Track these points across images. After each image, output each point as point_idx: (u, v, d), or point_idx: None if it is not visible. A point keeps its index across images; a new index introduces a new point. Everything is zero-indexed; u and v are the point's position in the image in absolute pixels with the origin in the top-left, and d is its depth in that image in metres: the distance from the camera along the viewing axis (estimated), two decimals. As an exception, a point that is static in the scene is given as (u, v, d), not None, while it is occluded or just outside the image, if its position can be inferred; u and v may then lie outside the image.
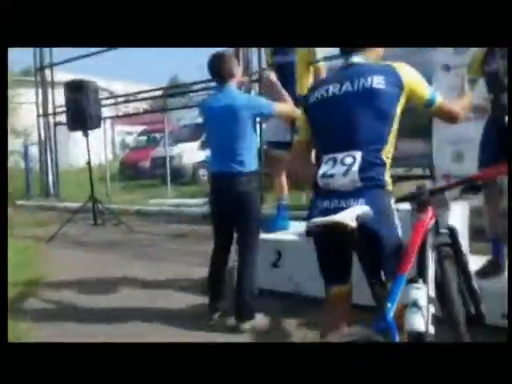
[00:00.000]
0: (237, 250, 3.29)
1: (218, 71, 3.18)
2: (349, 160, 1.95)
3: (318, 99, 2.11)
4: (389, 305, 1.80)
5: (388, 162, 2.00)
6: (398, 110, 2.01)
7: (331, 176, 1.96)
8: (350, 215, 1.84)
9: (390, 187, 2.00)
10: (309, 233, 2.01)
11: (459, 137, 4.98)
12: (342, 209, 1.89)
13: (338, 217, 1.83)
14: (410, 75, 2.05)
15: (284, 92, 3.30)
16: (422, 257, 1.95)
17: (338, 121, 2.04)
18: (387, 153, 1.99)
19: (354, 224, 1.82)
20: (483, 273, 3.04)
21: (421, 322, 1.78)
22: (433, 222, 2.07)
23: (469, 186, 2.21)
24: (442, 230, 2.15)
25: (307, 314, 3.24)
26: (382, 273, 1.98)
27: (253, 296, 3.18)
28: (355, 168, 1.93)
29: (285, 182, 3.99)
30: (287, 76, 3.71)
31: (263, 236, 3.58)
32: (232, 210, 3.16)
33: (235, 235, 3.27)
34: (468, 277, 2.18)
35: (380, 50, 2.22)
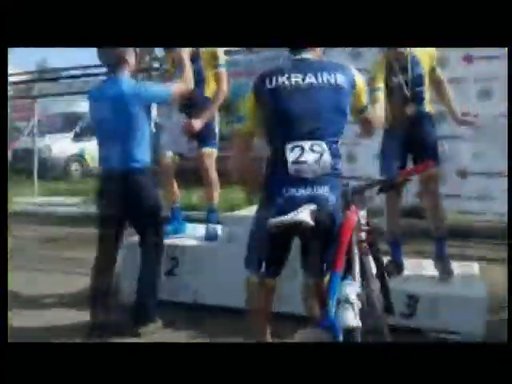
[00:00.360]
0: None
1: (107, 57, 2.85)
2: (318, 148, 2.03)
3: (279, 87, 2.11)
4: (329, 302, 1.92)
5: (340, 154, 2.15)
6: (349, 106, 2.17)
7: (304, 162, 2.01)
8: (308, 213, 1.96)
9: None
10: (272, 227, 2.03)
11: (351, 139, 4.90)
12: (310, 196, 2.01)
13: (301, 216, 1.94)
14: (360, 79, 2.24)
15: (186, 69, 3.06)
16: (348, 254, 2.05)
17: (303, 110, 2.08)
18: (340, 145, 2.14)
19: (312, 222, 1.96)
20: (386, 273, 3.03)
21: (353, 317, 1.89)
22: (356, 219, 2.16)
23: (387, 185, 2.38)
24: (363, 227, 2.23)
25: (208, 325, 3.03)
26: (325, 263, 2.11)
27: (155, 300, 2.98)
28: (327, 156, 2.04)
29: (175, 184, 3.72)
30: (196, 83, 3.33)
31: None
32: (126, 211, 2.87)
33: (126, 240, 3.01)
34: (382, 272, 2.32)
35: (319, 50, 2.31)
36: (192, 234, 3.81)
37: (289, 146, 2.05)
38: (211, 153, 3.64)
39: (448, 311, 2.85)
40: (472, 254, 4.20)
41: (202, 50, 3.51)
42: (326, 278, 2.13)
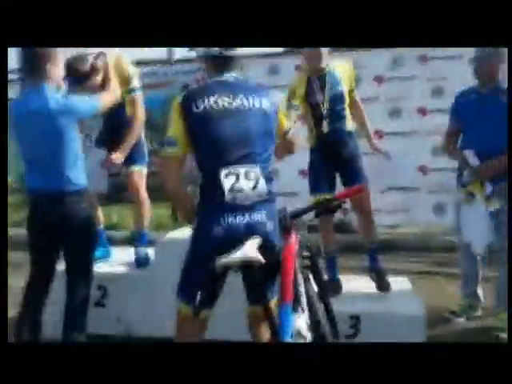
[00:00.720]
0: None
1: (30, 69, 2.54)
2: (253, 175, 1.99)
3: (208, 110, 2.03)
4: (283, 336, 1.92)
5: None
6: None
7: (240, 190, 1.96)
8: (256, 248, 1.95)
9: None
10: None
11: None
12: (248, 223, 1.96)
13: (251, 254, 1.93)
14: (280, 104, 2.26)
15: (112, 77, 2.91)
16: (294, 283, 2.02)
17: (234, 135, 2.03)
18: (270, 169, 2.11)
19: (262, 259, 1.95)
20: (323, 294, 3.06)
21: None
22: (298, 245, 2.14)
23: (324, 209, 2.41)
24: (304, 253, 2.21)
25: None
26: (269, 289, 2.10)
27: (83, 332, 2.59)
28: (262, 182, 2.00)
29: (97, 206, 3.42)
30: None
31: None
32: (57, 235, 2.61)
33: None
34: (326, 295, 2.29)
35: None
36: (119, 259, 3.52)
37: (223, 173, 1.98)
38: (141, 171, 3.39)
39: (389, 329, 2.85)
40: (396, 267, 4.31)
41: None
42: (273, 302, 2.11)
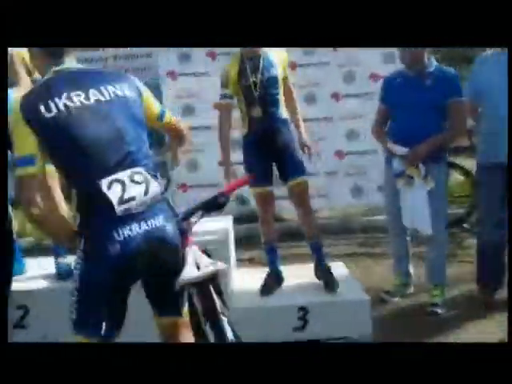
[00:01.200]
0: None
1: None
2: (140, 177, 1.75)
3: (62, 112, 1.70)
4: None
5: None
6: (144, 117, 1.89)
7: (132, 199, 1.72)
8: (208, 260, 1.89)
9: None
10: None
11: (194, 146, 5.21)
12: (146, 232, 1.74)
13: (217, 265, 1.88)
14: (143, 86, 1.97)
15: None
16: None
17: (103, 134, 1.73)
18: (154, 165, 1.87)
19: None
20: (267, 289, 3.11)
21: None
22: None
23: (211, 206, 2.20)
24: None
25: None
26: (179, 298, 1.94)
27: None
28: (153, 184, 1.78)
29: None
30: None
31: None
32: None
33: None
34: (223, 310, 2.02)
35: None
36: (35, 273, 3.19)
37: (104, 184, 1.70)
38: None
39: (336, 318, 2.86)
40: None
41: None
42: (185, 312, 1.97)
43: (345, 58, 5.47)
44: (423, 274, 3.52)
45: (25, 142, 1.70)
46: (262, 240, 3.25)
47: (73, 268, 2.73)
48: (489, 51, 3.34)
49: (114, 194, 1.70)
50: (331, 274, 3.14)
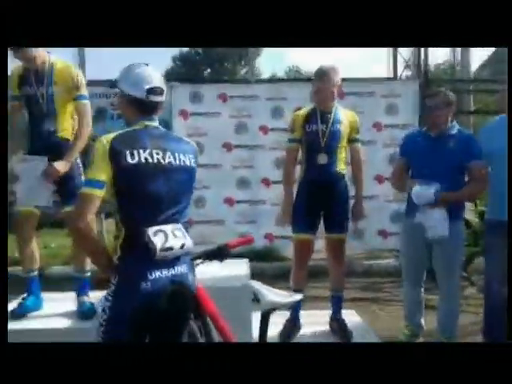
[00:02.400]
0: None
1: None
2: (179, 233, 2.02)
3: (141, 164, 1.96)
4: None
5: None
6: None
7: (170, 249, 1.97)
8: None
9: None
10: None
11: (199, 181, 5.35)
12: (174, 276, 2.00)
13: (296, 296, 2.38)
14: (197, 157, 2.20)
15: None
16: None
17: (165, 193, 2.00)
18: None
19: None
20: (286, 335, 3.20)
21: None
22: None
23: (212, 255, 2.46)
24: None
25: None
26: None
27: None
28: (189, 241, 2.04)
29: (35, 246, 3.20)
30: (42, 111, 3.05)
31: (14, 326, 2.84)
32: None
33: None
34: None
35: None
36: (55, 310, 3.15)
37: (151, 231, 1.95)
38: None
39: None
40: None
41: (57, 76, 3.04)
42: None
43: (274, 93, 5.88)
44: (429, 322, 3.63)
45: (101, 170, 1.94)
46: (290, 285, 3.32)
47: (100, 303, 2.86)
48: (495, 118, 3.55)
49: (158, 241, 1.94)
50: (346, 325, 3.23)
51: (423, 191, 3.19)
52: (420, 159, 3.37)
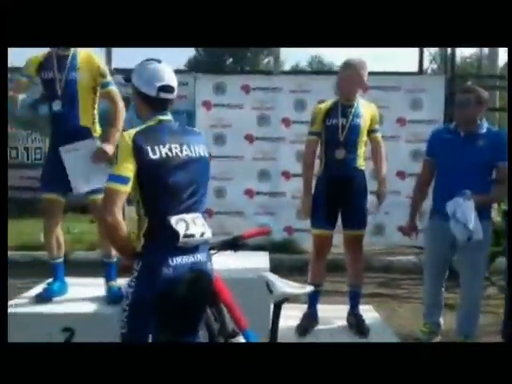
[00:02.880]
0: None
1: None
2: (199, 221, 2.11)
3: (163, 158, 2.05)
4: None
5: None
6: None
7: (192, 236, 2.06)
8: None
9: None
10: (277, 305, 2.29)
11: (221, 172, 5.68)
12: (193, 263, 2.09)
13: (306, 288, 2.40)
14: None
15: None
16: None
17: (185, 184, 2.10)
18: None
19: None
20: (303, 329, 3.20)
21: None
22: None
23: (227, 246, 2.58)
24: None
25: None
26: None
27: None
28: (208, 229, 2.13)
29: (60, 232, 3.26)
30: (67, 96, 3.07)
31: (41, 309, 2.96)
32: None
33: None
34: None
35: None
36: (81, 295, 3.23)
37: (173, 220, 2.05)
38: None
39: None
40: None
41: (81, 63, 3.05)
42: None
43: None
44: (447, 321, 3.61)
45: (126, 166, 2.03)
46: (308, 279, 3.33)
47: (123, 290, 2.93)
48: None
49: (180, 229, 2.04)
50: (363, 321, 3.23)
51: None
52: (448, 157, 3.32)
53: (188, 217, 2.08)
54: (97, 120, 3.27)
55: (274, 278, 2.31)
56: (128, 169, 2.01)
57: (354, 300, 3.30)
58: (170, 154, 2.06)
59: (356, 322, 3.23)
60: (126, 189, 2.02)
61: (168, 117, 2.16)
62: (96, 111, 3.28)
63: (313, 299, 3.30)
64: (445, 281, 3.57)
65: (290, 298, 2.31)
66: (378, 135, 3.38)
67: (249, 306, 2.58)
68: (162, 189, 2.06)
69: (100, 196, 3.05)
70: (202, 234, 2.09)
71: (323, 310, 3.38)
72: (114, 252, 3.21)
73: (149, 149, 2.03)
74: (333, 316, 3.40)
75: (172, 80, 2.12)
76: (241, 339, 2.33)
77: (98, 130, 3.26)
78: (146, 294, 2.03)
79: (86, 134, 3.17)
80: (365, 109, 3.29)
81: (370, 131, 3.32)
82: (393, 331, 3.32)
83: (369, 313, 3.50)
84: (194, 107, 5.78)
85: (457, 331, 3.47)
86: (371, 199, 3.38)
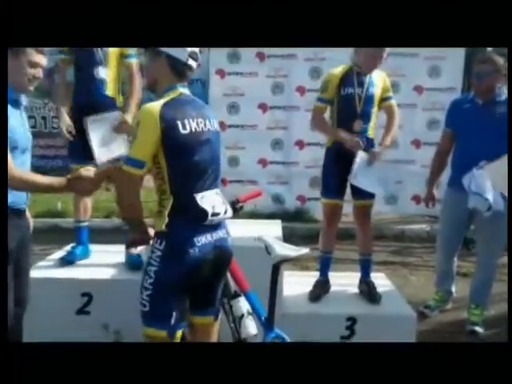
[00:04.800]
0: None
1: None
2: (220, 199, 2.08)
3: (192, 133, 1.97)
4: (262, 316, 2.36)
5: None
6: None
7: (218, 214, 2.05)
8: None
9: None
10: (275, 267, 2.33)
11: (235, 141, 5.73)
12: (216, 241, 2.06)
13: (303, 250, 2.31)
14: None
15: None
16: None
17: (209, 159, 2.05)
18: None
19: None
20: (315, 296, 3.25)
21: (255, 326, 2.36)
22: None
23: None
24: None
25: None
26: (218, 300, 2.23)
27: None
28: (229, 207, 2.11)
29: (89, 199, 3.42)
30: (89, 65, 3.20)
31: (60, 274, 3.10)
32: None
33: None
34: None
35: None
36: (103, 260, 3.32)
37: (198, 197, 2.00)
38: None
39: (381, 330, 2.98)
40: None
41: None
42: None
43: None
44: (460, 290, 3.65)
45: (145, 146, 1.93)
46: (319, 247, 3.37)
47: (143, 261, 2.99)
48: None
49: (207, 206, 2.01)
50: (375, 289, 3.28)
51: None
52: (467, 127, 3.29)
53: (211, 194, 2.05)
54: (120, 91, 3.34)
55: (272, 241, 2.35)
56: (146, 150, 1.92)
57: (365, 268, 3.34)
58: (197, 128, 2.00)
59: (368, 289, 3.27)
60: (141, 172, 1.96)
61: (187, 90, 2.09)
62: (120, 82, 3.34)
63: (324, 267, 3.35)
64: (458, 250, 3.60)
65: (287, 260, 2.36)
66: (393, 102, 3.31)
67: (261, 273, 2.63)
68: (191, 165, 1.99)
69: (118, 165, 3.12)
70: (226, 212, 2.08)
71: (335, 277, 3.44)
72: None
73: (179, 123, 1.94)
74: (344, 283, 3.45)
75: (197, 48, 2.05)
76: (242, 300, 2.39)
77: (121, 100, 3.33)
78: (172, 274, 1.99)
79: (111, 104, 3.24)
80: (378, 77, 3.22)
81: (383, 99, 3.26)
82: (404, 299, 3.37)
83: (381, 280, 3.54)
84: (208, 76, 5.73)
85: (470, 298, 3.52)
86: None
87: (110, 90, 3.25)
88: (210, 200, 2.02)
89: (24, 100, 2.27)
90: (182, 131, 1.94)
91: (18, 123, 2.20)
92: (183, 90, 2.05)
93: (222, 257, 2.10)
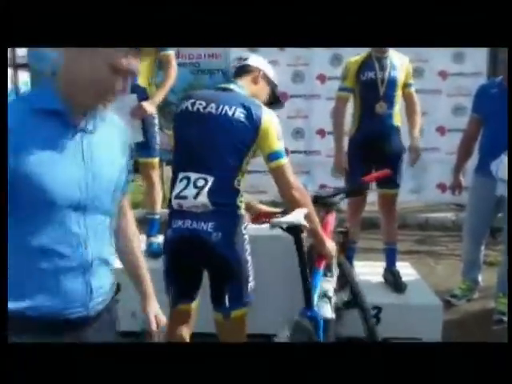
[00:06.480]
0: None
1: None
2: (200, 183, 1.97)
3: (183, 111, 2.08)
4: (314, 296, 2.16)
5: (239, 188, 2.04)
6: (254, 145, 2.03)
7: (184, 197, 1.98)
8: (302, 215, 2.00)
9: (241, 211, 2.06)
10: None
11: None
12: (194, 230, 1.97)
13: (300, 219, 1.98)
14: (270, 120, 2.04)
15: None
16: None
17: (199, 139, 2.02)
18: (238, 180, 2.03)
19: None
20: (339, 285, 3.03)
21: (330, 310, 2.22)
22: (334, 223, 2.56)
23: (352, 192, 2.84)
24: (340, 230, 2.80)
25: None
26: (227, 299, 2.04)
27: None
28: (205, 192, 1.97)
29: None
30: None
31: None
32: None
33: None
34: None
35: (260, 82, 2.21)
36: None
37: (180, 176, 2.02)
38: (152, 163, 3.27)
39: (408, 319, 2.96)
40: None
41: None
42: (235, 313, 2.08)
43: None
44: (486, 279, 3.58)
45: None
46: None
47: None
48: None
49: (178, 187, 2.02)
50: (400, 278, 3.24)
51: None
52: (494, 112, 3.21)
53: (193, 176, 1.99)
54: (154, 83, 3.26)
55: (283, 217, 2.14)
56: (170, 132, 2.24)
57: (390, 257, 3.31)
58: (190, 108, 2.06)
59: (393, 278, 3.24)
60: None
61: (228, 85, 2.14)
62: (154, 74, 3.29)
63: (349, 256, 3.32)
64: (485, 238, 3.53)
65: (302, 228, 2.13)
66: (412, 90, 3.25)
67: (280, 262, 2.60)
68: (179, 142, 2.10)
69: (149, 160, 3.15)
70: (196, 197, 1.95)
71: (360, 266, 3.41)
72: (157, 210, 3.36)
73: (180, 104, 2.12)
74: (369, 272, 3.42)
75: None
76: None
77: (153, 91, 3.23)
78: (164, 254, 2.13)
79: (142, 94, 3.15)
80: (400, 61, 3.17)
81: (404, 86, 3.20)
82: (430, 288, 3.33)
83: (406, 269, 3.50)
84: (228, 66, 5.71)
85: (497, 288, 3.46)
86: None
87: (141, 80, 3.18)
88: (186, 181, 1.99)
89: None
90: (178, 110, 2.09)
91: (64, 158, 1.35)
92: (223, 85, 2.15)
93: (195, 249, 2.00)
